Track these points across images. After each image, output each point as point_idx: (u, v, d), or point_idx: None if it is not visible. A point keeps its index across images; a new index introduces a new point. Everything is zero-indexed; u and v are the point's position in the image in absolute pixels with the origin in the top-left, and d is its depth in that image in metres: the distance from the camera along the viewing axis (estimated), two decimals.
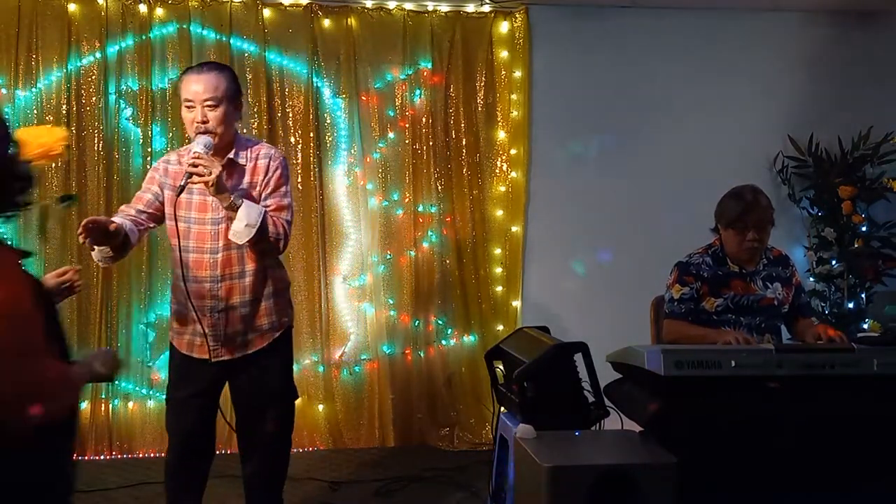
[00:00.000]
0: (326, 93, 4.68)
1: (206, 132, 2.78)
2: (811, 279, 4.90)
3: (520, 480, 2.62)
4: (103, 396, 4.42)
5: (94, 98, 4.43)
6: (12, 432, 1.59)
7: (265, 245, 2.84)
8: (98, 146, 4.40)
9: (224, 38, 4.53)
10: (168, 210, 2.87)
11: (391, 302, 4.74)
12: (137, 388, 4.45)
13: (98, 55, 4.43)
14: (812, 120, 4.95)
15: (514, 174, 4.84)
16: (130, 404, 4.47)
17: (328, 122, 4.69)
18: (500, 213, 4.84)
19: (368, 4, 4.70)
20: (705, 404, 2.52)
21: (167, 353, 3.10)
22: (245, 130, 4.51)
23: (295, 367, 4.49)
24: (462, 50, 4.75)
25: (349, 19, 4.67)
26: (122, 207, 2.96)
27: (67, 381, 1.76)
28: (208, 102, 2.78)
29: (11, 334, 1.57)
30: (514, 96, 4.82)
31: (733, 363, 2.52)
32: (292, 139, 4.64)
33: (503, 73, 4.82)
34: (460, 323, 4.80)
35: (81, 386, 1.88)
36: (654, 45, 4.90)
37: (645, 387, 2.65)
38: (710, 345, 2.86)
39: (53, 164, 4.26)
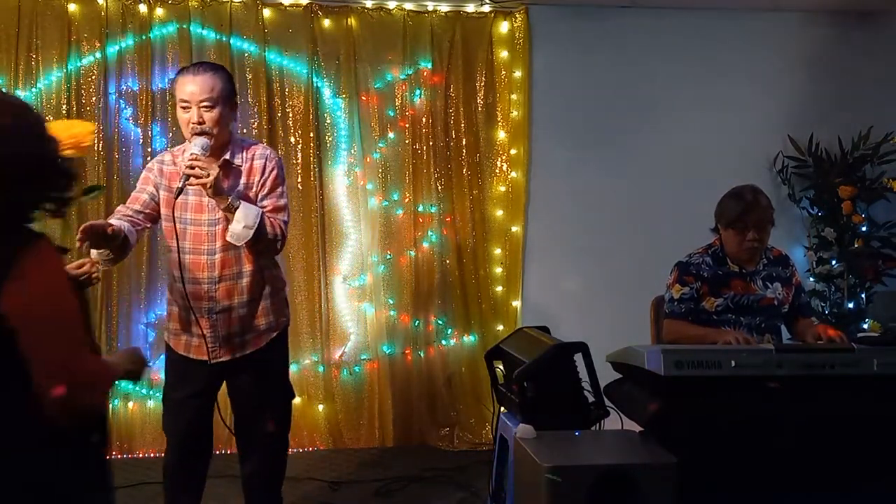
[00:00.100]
0: (326, 93, 4.68)
1: (202, 133, 2.77)
2: (811, 279, 4.90)
3: (520, 480, 2.62)
4: None
5: (94, 98, 4.43)
6: (55, 425, 1.61)
7: (263, 246, 2.85)
8: (98, 146, 4.40)
9: (224, 38, 4.53)
10: (165, 211, 2.87)
11: (391, 302, 4.74)
12: (137, 388, 4.45)
13: (98, 55, 4.43)
14: (812, 120, 4.95)
15: (514, 174, 4.84)
16: (130, 404, 4.47)
17: (328, 122, 4.69)
18: (500, 213, 4.84)
19: (368, 4, 4.70)
20: (705, 404, 2.52)
21: None
22: (245, 130, 4.52)
23: (295, 367, 4.55)
24: (462, 50, 4.75)
25: (349, 19, 4.67)
26: (119, 208, 2.95)
27: (107, 376, 1.80)
28: (204, 103, 2.77)
29: (60, 327, 1.61)
30: (514, 96, 4.82)
31: (733, 363, 2.52)
32: (292, 139, 4.64)
33: (503, 73, 4.82)
34: (460, 323, 4.80)
35: (114, 382, 1.91)
36: (654, 45, 4.90)
37: (645, 387, 2.65)
38: (710, 345, 2.86)
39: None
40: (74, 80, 4.41)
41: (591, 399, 2.90)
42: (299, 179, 4.61)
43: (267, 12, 4.60)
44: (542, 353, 2.84)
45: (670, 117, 4.90)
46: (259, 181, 2.88)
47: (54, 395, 1.57)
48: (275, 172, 2.91)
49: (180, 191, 2.71)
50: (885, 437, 2.59)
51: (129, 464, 4.30)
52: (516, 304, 4.86)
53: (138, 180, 2.99)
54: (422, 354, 4.76)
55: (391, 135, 4.74)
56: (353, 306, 4.73)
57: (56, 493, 1.65)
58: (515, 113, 4.82)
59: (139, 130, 4.47)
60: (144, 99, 4.46)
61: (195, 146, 2.73)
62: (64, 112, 4.37)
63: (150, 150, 4.43)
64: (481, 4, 4.75)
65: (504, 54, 4.81)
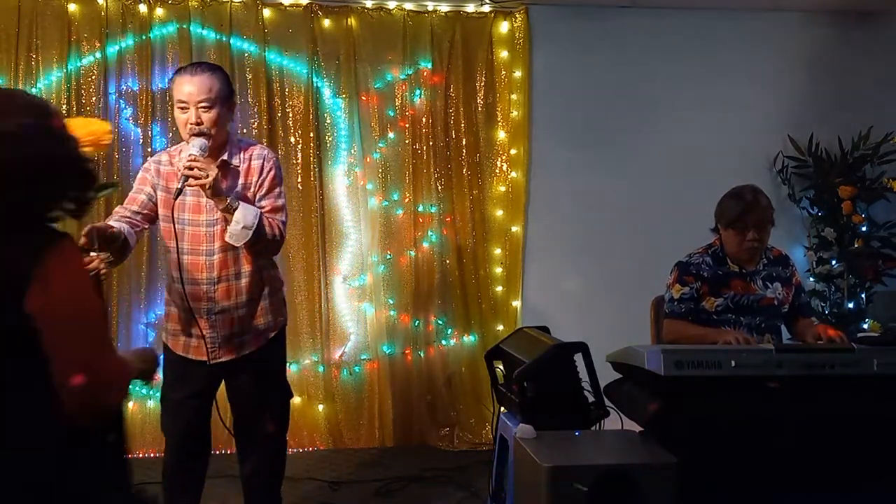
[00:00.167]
0: (326, 93, 4.68)
1: (200, 134, 2.76)
2: (811, 279, 4.90)
3: (520, 480, 2.62)
4: None
5: (94, 98, 4.42)
6: (75, 424, 1.63)
7: (262, 247, 2.84)
8: None
9: (224, 38, 4.53)
10: (163, 212, 2.86)
11: (391, 302, 4.73)
12: (137, 388, 4.44)
13: (98, 55, 4.43)
14: (812, 120, 4.95)
15: (514, 174, 4.84)
16: (130, 404, 4.46)
17: (328, 122, 4.69)
18: (500, 213, 4.84)
19: (368, 4, 4.70)
20: (705, 404, 2.52)
21: None
22: (245, 130, 4.52)
23: (295, 367, 4.56)
24: (462, 50, 4.75)
25: (349, 19, 4.67)
26: (117, 209, 2.93)
27: (127, 375, 1.81)
28: (202, 104, 2.76)
29: (84, 327, 1.63)
30: (514, 96, 4.82)
31: (733, 363, 2.53)
32: (292, 139, 4.64)
33: (503, 73, 4.82)
34: (460, 323, 4.80)
35: (132, 381, 1.92)
36: (654, 45, 4.90)
37: (645, 387, 2.65)
38: (710, 345, 2.86)
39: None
40: (74, 80, 4.41)
41: (591, 399, 2.90)
42: (299, 179, 4.61)
43: (267, 12, 4.60)
44: (542, 353, 2.84)
45: (670, 117, 4.90)
46: (257, 181, 2.88)
47: (73, 384, 1.57)
48: (273, 173, 2.90)
49: (179, 192, 2.71)
50: (885, 437, 2.59)
51: None
52: (516, 304, 4.86)
53: (135, 181, 2.98)
54: (422, 354, 4.76)
55: (391, 135, 4.74)
56: (353, 306, 4.73)
57: (73, 492, 1.66)
58: (515, 113, 4.82)
59: (139, 130, 4.47)
60: (144, 99, 4.46)
61: (193, 147, 2.73)
62: (64, 112, 4.37)
63: (149, 149, 4.43)
64: (481, 4, 4.75)
65: (504, 54, 4.81)
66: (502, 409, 3.09)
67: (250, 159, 2.89)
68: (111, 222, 2.77)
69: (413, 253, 4.74)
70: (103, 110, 4.42)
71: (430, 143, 4.74)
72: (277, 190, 2.91)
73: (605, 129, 4.91)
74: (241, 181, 2.87)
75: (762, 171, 4.93)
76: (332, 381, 4.66)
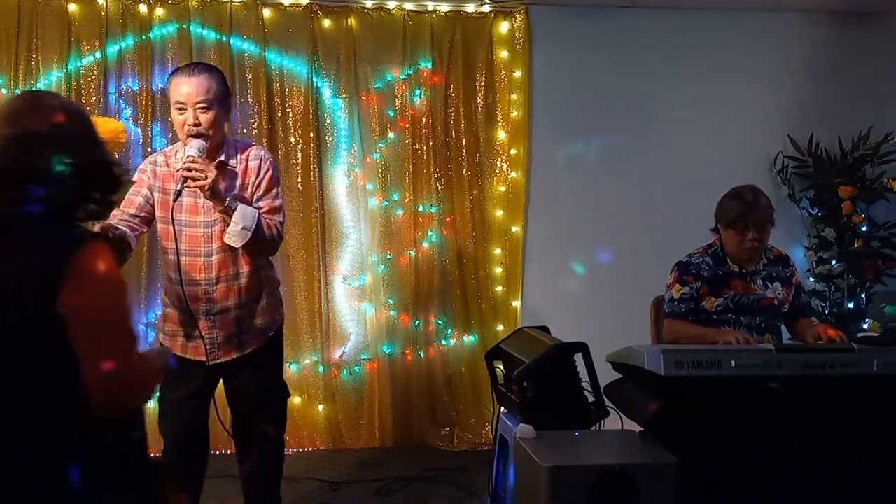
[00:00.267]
0: (326, 93, 4.68)
1: (198, 135, 2.76)
2: (811, 279, 4.90)
3: (520, 480, 2.62)
4: None
5: (94, 98, 4.42)
6: (102, 420, 1.67)
7: (260, 247, 2.85)
8: None
9: (224, 38, 4.53)
10: (160, 213, 2.86)
11: (391, 302, 4.73)
12: None
13: (98, 55, 4.43)
14: (812, 120, 4.94)
15: (514, 174, 4.83)
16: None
17: (328, 122, 4.69)
18: (500, 213, 4.84)
19: (368, 4, 4.70)
20: (705, 404, 2.52)
21: None
22: (245, 130, 4.52)
23: (295, 367, 4.56)
24: (462, 50, 4.75)
25: (349, 19, 4.67)
26: (115, 212, 2.92)
27: (155, 375, 1.86)
28: (200, 105, 2.76)
29: (114, 327, 1.67)
30: (514, 96, 4.82)
31: (733, 363, 2.53)
32: (292, 139, 4.64)
33: (503, 73, 4.82)
34: (460, 323, 4.80)
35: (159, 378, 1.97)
36: (653, 45, 4.90)
37: (645, 387, 2.65)
38: (710, 345, 2.86)
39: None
40: (74, 80, 4.40)
41: (591, 399, 2.90)
42: (299, 179, 4.61)
43: (267, 12, 4.59)
44: (542, 353, 2.84)
45: (670, 117, 4.89)
46: (254, 182, 2.88)
47: (104, 369, 1.61)
48: (270, 173, 2.90)
49: (179, 193, 2.70)
50: (885, 437, 2.59)
51: None
52: (516, 304, 4.86)
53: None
54: (422, 354, 4.75)
55: (391, 135, 4.74)
56: (353, 306, 4.73)
57: (96, 488, 1.68)
58: (515, 113, 4.82)
59: (139, 130, 4.46)
60: (144, 99, 4.46)
61: (191, 148, 2.72)
62: None
63: (149, 149, 4.42)
64: (481, 4, 4.75)
65: (504, 54, 4.81)
66: (502, 409, 3.09)
67: (247, 160, 2.89)
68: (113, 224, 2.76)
69: (413, 253, 4.74)
70: (103, 110, 4.42)
71: (430, 143, 4.74)
72: (275, 190, 2.91)
73: (605, 130, 4.91)
74: (238, 182, 2.86)
75: (762, 171, 4.93)
76: (332, 381, 4.66)
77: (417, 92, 4.75)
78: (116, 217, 2.86)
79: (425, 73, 4.75)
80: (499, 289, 4.85)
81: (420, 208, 4.75)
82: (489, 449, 3.33)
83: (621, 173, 4.89)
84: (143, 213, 2.88)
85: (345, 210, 4.72)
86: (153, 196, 2.88)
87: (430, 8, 4.74)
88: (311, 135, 4.61)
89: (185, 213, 2.83)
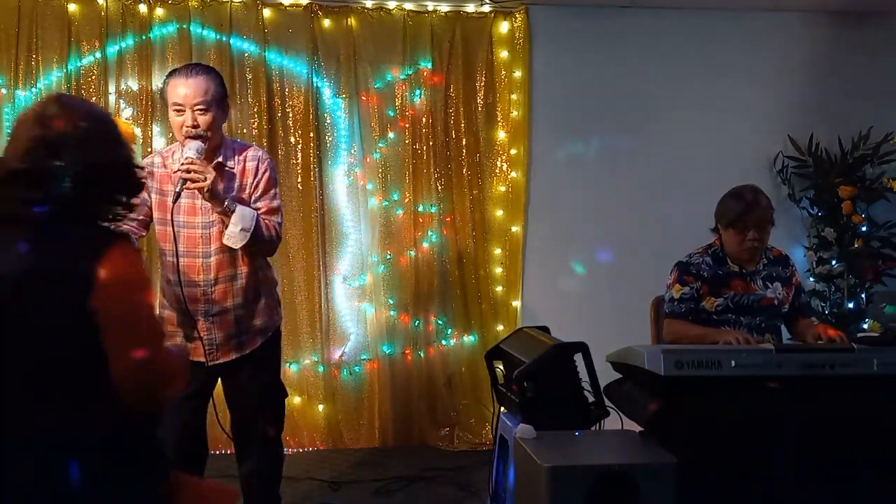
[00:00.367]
0: (326, 93, 4.68)
1: (196, 136, 2.76)
2: (811, 279, 4.90)
3: (520, 480, 2.62)
4: None
5: (94, 98, 4.41)
6: (131, 416, 1.72)
7: (258, 248, 2.85)
8: None
9: (224, 38, 4.53)
10: (158, 215, 2.85)
11: (391, 302, 4.73)
12: None
13: (98, 55, 4.43)
14: (812, 120, 4.94)
15: (514, 174, 4.83)
16: None
17: (328, 122, 4.69)
18: (500, 213, 4.84)
19: (368, 4, 4.70)
20: (705, 404, 2.52)
21: None
22: (245, 130, 4.52)
23: (295, 367, 4.56)
24: (462, 50, 4.75)
25: (349, 19, 4.67)
26: None
27: (183, 367, 1.91)
28: (199, 106, 2.76)
29: (142, 324, 1.73)
30: (514, 96, 4.82)
31: (733, 363, 2.53)
32: (292, 139, 4.64)
33: (503, 73, 4.82)
34: (460, 323, 4.80)
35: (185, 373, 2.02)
36: (653, 45, 4.90)
37: (645, 387, 2.65)
38: (710, 345, 2.86)
39: None
40: (74, 80, 4.40)
41: (591, 399, 2.90)
42: (299, 179, 4.61)
43: (267, 12, 4.59)
44: (542, 353, 2.84)
45: (670, 117, 4.89)
46: (252, 183, 2.88)
47: (136, 357, 1.67)
48: (268, 174, 2.90)
49: (178, 195, 2.70)
50: (885, 437, 2.59)
51: None
52: (516, 304, 4.85)
53: None
54: (422, 354, 4.75)
55: (391, 135, 4.74)
56: (353, 306, 4.73)
57: (114, 485, 1.71)
58: (515, 113, 4.82)
59: (139, 130, 4.46)
60: (144, 99, 4.46)
61: (190, 150, 2.71)
62: None
63: (149, 149, 4.42)
64: (481, 4, 4.75)
65: (504, 54, 4.81)
66: (502, 409, 3.09)
67: (245, 161, 2.89)
68: None
69: (413, 253, 4.74)
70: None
71: (430, 143, 4.73)
72: (273, 191, 2.91)
73: (605, 130, 4.91)
74: (236, 183, 2.86)
75: (762, 171, 4.93)
76: (332, 381, 4.66)
77: (417, 92, 4.75)
78: None
79: (425, 73, 4.75)
80: (499, 289, 4.85)
81: (420, 208, 4.75)
82: (489, 449, 3.33)
83: (621, 173, 4.89)
84: (141, 216, 2.86)
85: (345, 210, 4.72)
86: (150, 198, 2.87)
87: (430, 8, 4.74)
88: (311, 135, 4.61)
89: (182, 215, 2.83)
